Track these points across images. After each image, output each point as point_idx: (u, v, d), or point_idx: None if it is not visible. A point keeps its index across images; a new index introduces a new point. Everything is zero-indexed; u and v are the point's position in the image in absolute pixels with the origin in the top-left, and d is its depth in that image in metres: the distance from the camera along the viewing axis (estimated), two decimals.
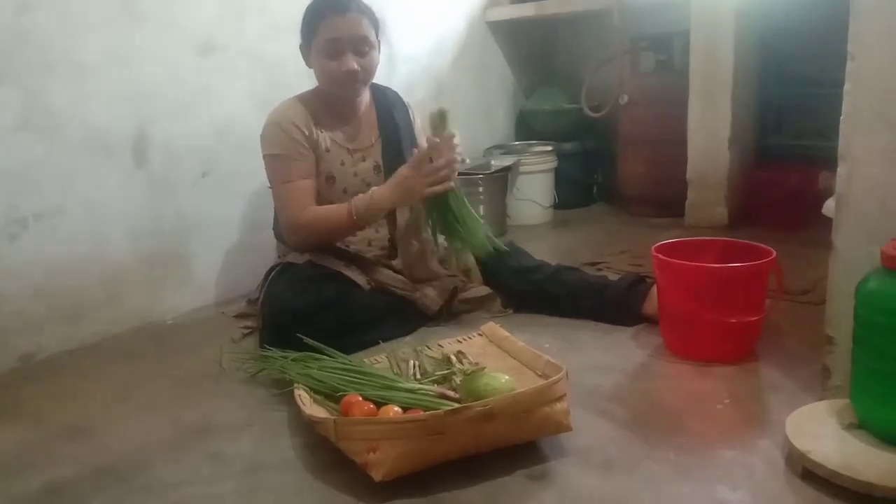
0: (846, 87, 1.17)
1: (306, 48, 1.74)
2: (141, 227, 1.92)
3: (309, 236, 1.73)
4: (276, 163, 1.72)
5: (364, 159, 1.83)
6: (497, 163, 2.76)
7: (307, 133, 1.72)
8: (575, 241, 2.62)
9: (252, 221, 2.14)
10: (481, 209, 2.69)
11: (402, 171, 1.69)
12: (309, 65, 1.76)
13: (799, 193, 2.44)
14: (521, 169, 2.83)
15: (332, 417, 1.16)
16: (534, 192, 2.86)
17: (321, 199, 1.75)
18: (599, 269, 2.18)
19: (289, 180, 1.71)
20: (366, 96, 1.83)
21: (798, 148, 2.74)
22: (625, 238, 2.54)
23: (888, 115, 1.14)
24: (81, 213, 1.80)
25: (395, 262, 1.82)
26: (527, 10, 2.97)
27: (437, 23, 2.82)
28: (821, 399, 1.24)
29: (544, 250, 2.41)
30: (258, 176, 1.98)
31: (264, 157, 1.74)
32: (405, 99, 1.96)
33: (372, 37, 1.71)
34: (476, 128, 3.07)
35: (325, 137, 1.76)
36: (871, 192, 1.17)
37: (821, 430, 1.11)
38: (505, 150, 2.95)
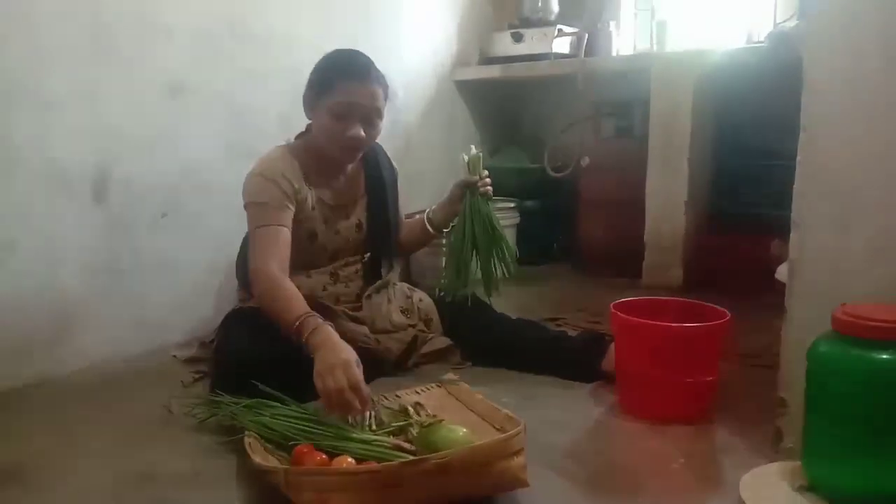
0: (798, 157, 1.23)
1: (313, 100, 1.69)
2: (96, 265, 1.87)
3: (257, 294, 1.61)
4: (256, 210, 1.65)
5: (347, 217, 1.81)
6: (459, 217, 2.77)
7: (296, 187, 1.68)
8: (534, 297, 2.63)
9: (210, 264, 2.11)
10: (444, 261, 2.70)
11: (334, 368, 1.36)
12: (308, 116, 1.73)
13: (752, 259, 2.50)
14: None
15: (283, 467, 1.12)
16: None
17: (301, 253, 1.70)
18: (558, 325, 2.19)
19: (264, 224, 1.64)
20: None
21: (752, 216, 2.83)
22: (583, 296, 2.57)
23: (838, 186, 1.20)
24: (35, 248, 1.75)
25: (359, 314, 1.79)
26: (493, 72, 3.05)
27: (408, 79, 2.87)
28: (773, 461, 1.25)
29: (504, 305, 2.40)
30: (221, 219, 1.97)
31: (246, 205, 1.68)
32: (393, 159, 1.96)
33: (383, 108, 1.71)
34: (441, 183, 3.07)
35: (312, 195, 1.73)
36: (822, 259, 1.22)
37: (773, 493, 1.12)
38: None
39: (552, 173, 3.02)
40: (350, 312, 1.78)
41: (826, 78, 1.19)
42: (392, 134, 2.75)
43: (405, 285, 1.97)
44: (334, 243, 1.79)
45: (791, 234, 1.24)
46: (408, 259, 2.78)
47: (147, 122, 1.94)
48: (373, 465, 1.09)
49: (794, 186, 1.23)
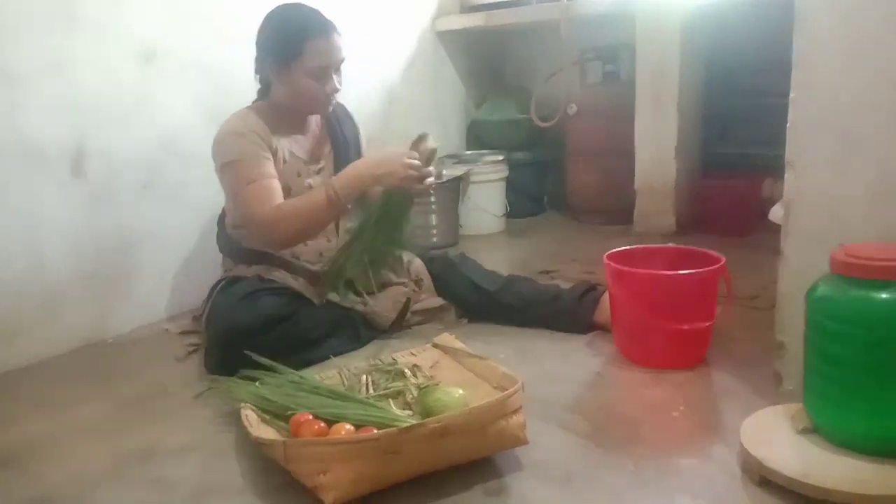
0: (791, 95, 1.19)
1: (281, 65, 1.65)
2: (80, 242, 1.83)
3: (286, 232, 1.64)
4: (237, 168, 1.63)
5: (318, 172, 1.79)
6: (448, 172, 2.73)
7: (267, 141, 1.67)
8: (527, 250, 2.61)
9: (198, 234, 2.07)
10: (433, 218, 2.68)
11: (390, 149, 1.69)
12: (273, 79, 1.69)
13: (745, 200, 2.48)
14: (473, 178, 2.81)
15: (281, 439, 1.11)
16: (486, 201, 2.86)
17: None
18: (552, 278, 2.17)
19: (253, 180, 1.62)
20: None
21: (743, 157, 2.80)
22: (576, 246, 2.55)
23: (833, 123, 1.16)
24: (16, 227, 1.70)
25: None
26: (476, 20, 2.97)
27: (387, 32, 2.79)
28: (774, 404, 1.24)
29: (497, 259, 2.41)
30: (204, 187, 1.92)
31: (221, 167, 1.66)
32: (348, 108, 1.92)
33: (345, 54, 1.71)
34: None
35: (283, 145, 1.72)
36: (818, 199, 1.19)
37: (775, 436, 1.11)
38: (456, 159, 2.94)
39: (539, 123, 2.96)
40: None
41: (818, 12, 1.15)
42: (375, 89, 2.71)
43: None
44: None
45: (786, 175, 1.22)
46: None
47: (122, 90, 1.88)
48: (371, 432, 1.07)
49: (788, 125, 1.20)
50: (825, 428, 1.09)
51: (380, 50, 2.75)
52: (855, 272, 1.04)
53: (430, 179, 1.67)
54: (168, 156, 1.99)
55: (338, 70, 1.69)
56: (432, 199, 2.64)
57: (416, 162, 1.62)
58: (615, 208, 2.79)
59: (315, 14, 1.67)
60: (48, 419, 1.45)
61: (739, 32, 2.64)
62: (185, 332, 1.87)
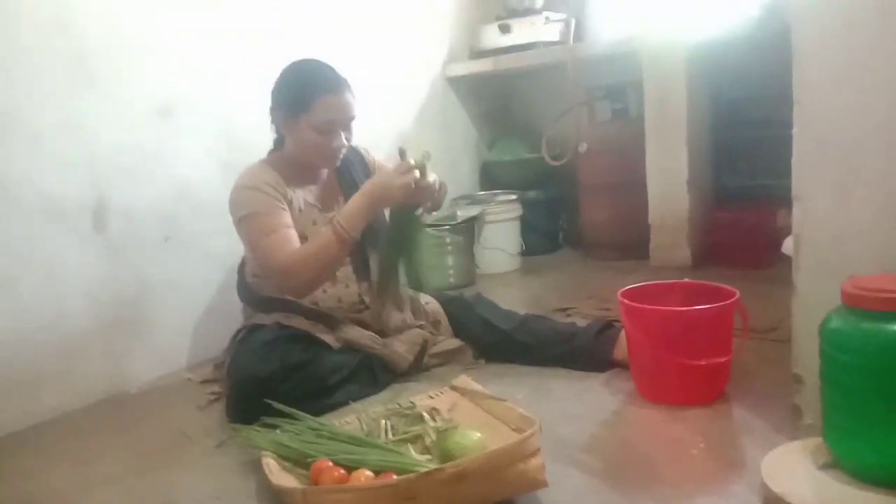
0: (794, 130, 1.21)
1: (288, 118, 1.71)
2: (101, 295, 1.88)
3: (305, 276, 1.67)
4: (255, 221, 1.68)
5: (332, 219, 1.80)
6: (463, 213, 2.77)
7: (281, 191, 1.72)
8: (543, 287, 2.62)
9: (217, 283, 2.11)
10: (449, 260, 2.70)
11: (379, 175, 1.71)
12: (283, 131, 1.76)
13: (758, 232, 2.48)
14: (487, 218, 2.84)
15: (301, 487, 1.12)
16: (501, 240, 2.88)
17: None
18: (568, 315, 2.18)
19: (272, 231, 1.66)
20: None
21: (755, 188, 2.81)
22: (591, 283, 2.56)
23: (836, 156, 1.18)
24: (38, 282, 1.75)
25: (364, 315, 1.79)
26: (484, 66, 3.04)
27: (398, 79, 2.86)
28: (794, 439, 1.23)
29: (514, 297, 2.43)
30: (222, 237, 1.96)
31: (239, 220, 1.70)
32: (359, 146, 1.93)
33: (357, 114, 1.75)
34: (441, 180, 3.09)
35: (297, 196, 1.76)
36: (825, 229, 1.20)
37: (796, 472, 1.10)
38: (470, 200, 2.97)
39: (551, 161, 3.00)
40: (354, 316, 1.77)
41: (816, 47, 1.17)
42: (387, 135, 2.75)
43: (408, 289, 1.94)
44: None
45: (793, 208, 1.23)
46: None
47: (138, 146, 1.94)
48: (391, 477, 1.08)
49: (793, 160, 1.21)
50: (845, 462, 1.08)
51: (392, 96, 2.81)
52: (865, 304, 1.04)
53: (433, 177, 1.70)
54: (186, 207, 2.05)
55: (347, 127, 1.73)
56: (448, 240, 2.67)
57: (409, 176, 1.64)
58: (629, 244, 2.79)
59: (329, 71, 1.73)
60: (70, 471, 1.47)
61: (742, 65, 2.67)
62: (206, 381, 1.89)
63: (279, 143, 1.81)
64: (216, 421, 1.64)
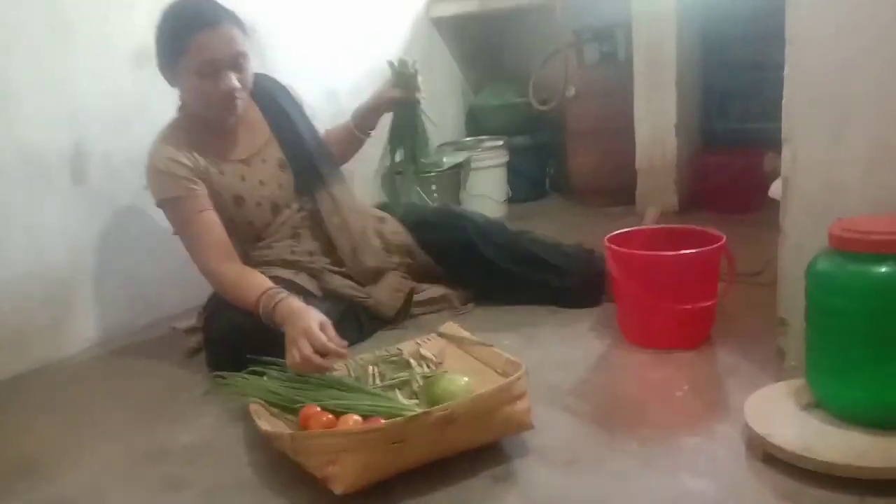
0: (785, 71, 1.19)
1: (170, 66, 1.55)
2: (83, 247, 1.85)
3: (219, 290, 1.61)
4: (171, 207, 1.60)
5: (264, 161, 1.71)
6: (449, 160, 2.74)
7: (191, 165, 1.59)
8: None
9: None
10: (434, 186, 2.67)
11: (296, 339, 1.35)
12: (173, 84, 1.60)
13: (746, 176, 2.48)
14: (473, 165, 2.81)
15: (289, 432, 1.12)
16: (487, 187, 2.85)
17: (235, 223, 1.66)
18: None
19: (189, 221, 1.59)
20: None
21: (743, 131, 2.79)
22: (580, 229, 2.54)
23: (827, 97, 1.16)
24: (20, 237, 1.72)
25: (344, 269, 1.77)
26: (470, 6, 2.96)
27: (380, 19, 2.78)
28: (778, 381, 1.25)
29: None
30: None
31: (158, 205, 1.61)
32: (285, 83, 1.85)
33: (247, 48, 1.57)
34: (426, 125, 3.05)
35: (213, 161, 1.63)
36: (815, 173, 1.19)
37: (779, 412, 1.12)
38: (456, 146, 2.94)
39: (538, 106, 2.96)
40: (332, 267, 1.75)
41: None
42: (369, 76, 2.68)
43: (372, 210, 1.89)
44: (265, 194, 1.69)
45: (783, 150, 1.21)
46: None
47: (117, 95, 1.89)
48: (378, 422, 1.09)
49: (783, 100, 1.19)
50: (827, 403, 1.09)
51: (373, 36, 2.74)
52: (852, 246, 1.04)
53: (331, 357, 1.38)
54: None
55: (236, 65, 1.54)
56: (433, 187, 2.64)
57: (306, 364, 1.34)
58: (617, 189, 2.78)
59: (203, 6, 1.54)
60: (62, 423, 1.47)
61: (734, 4, 2.62)
62: (191, 329, 1.87)
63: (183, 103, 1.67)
64: (203, 370, 1.64)
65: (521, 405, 1.14)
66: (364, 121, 1.82)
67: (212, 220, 1.60)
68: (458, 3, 3.01)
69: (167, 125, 1.66)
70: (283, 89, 1.82)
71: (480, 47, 3.32)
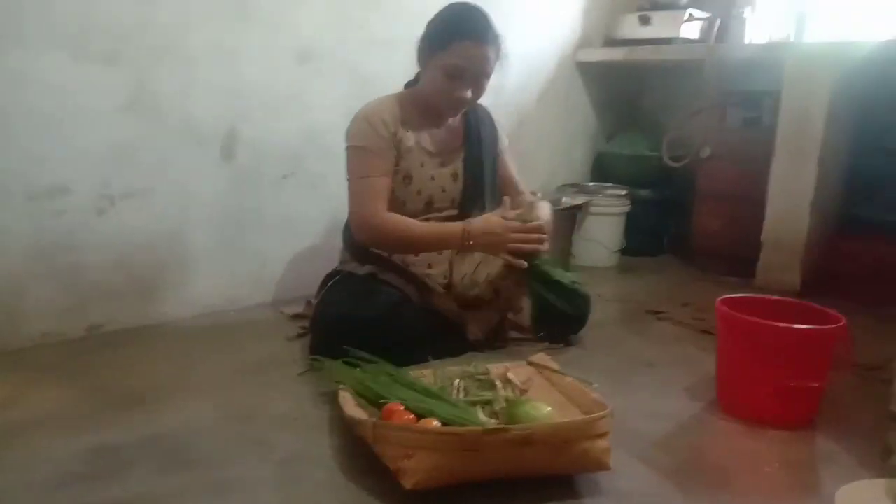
0: None
1: (426, 53, 1.73)
2: (221, 219, 2.01)
3: (381, 238, 1.74)
4: (357, 155, 1.74)
5: (444, 164, 1.84)
6: (568, 200, 2.75)
7: (393, 130, 1.74)
8: (638, 287, 2.58)
9: (326, 225, 2.20)
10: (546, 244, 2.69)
11: (494, 222, 1.68)
12: (420, 65, 1.77)
13: (880, 267, 2.33)
14: (592, 210, 2.81)
15: (372, 420, 1.17)
16: (602, 234, 2.84)
17: (394, 196, 1.77)
18: (659, 319, 2.15)
19: (366, 175, 1.72)
20: None
21: (886, 222, 2.63)
22: (690, 291, 2.49)
23: None
24: (168, 196, 1.90)
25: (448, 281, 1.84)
26: (617, 54, 2.98)
27: (528, 58, 2.85)
28: (878, 476, 1.18)
29: (605, 292, 2.40)
30: (340, 182, 2.04)
31: (347, 148, 1.76)
32: (497, 119, 1.97)
33: (493, 69, 1.73)
34: (553, 164, 3.08)
35: (409, 137, 1.78)
36: None
37: None
38: (578, 188, 2.94)
39: (669, 162, 2.92)
40: (442, 282, 1.81)
41: None
42: (505, 112, 2.75)
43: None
44: (429, 188, 1.82)
45: None
46: None
47: (277, 85, 2.05)
48: (457, 428, 1.11)
49: None
50: None
51: (517, 73, 2.81)
52: None
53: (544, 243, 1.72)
54: (312, 149, 2.15)
55: (477, 81, 1.71)
56: None
57: (530, 229, 1.67)
58: (738, 258, 2.68)
59: (480, 20, 1.70)
60: (169, 371, 1.61)
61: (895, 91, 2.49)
62: (297, 315, 1.99)
63: (415, 80, 1.83)
64: (301, 352, 1.73)
65: (600, 444, 1.14)
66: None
67: (387, 183, 1.75)
68: (606, 51, 3.04)
69: (393, 94, 1.83)
70: (491, 121, 1.96)
71: (621, 95, 3.33)
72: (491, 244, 1.68)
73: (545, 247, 1.75)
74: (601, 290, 2.47)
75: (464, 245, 1.68)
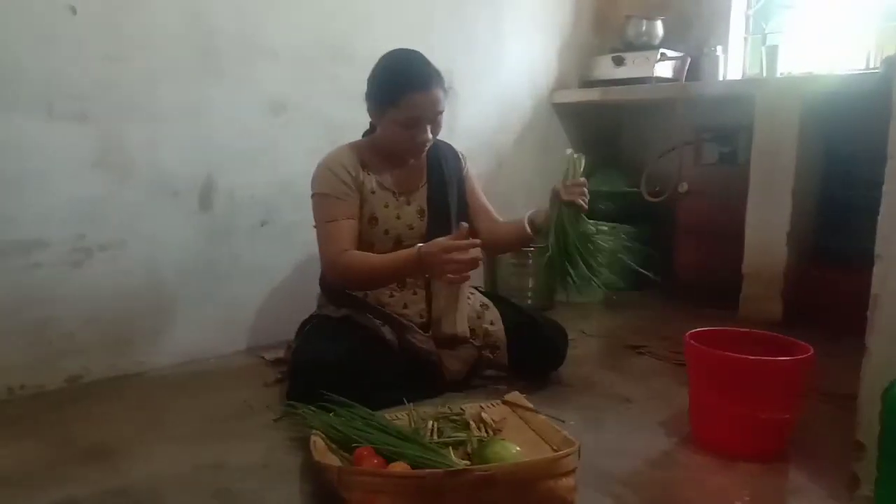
0: (885, 187, 1.16)
1: (377, 110, 1.75)
2: (196, 268, 2.03)
3: (351, 279, 1.75)
4: (322, 202, 1.76)
5: (409, 203, 1.85)
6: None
7: (354, 175, 1.77)
8: (620, 322, 2.58)
9: (302, 272, 2.22)
10: (529, 282, 2.71)
11: (437, 242, 1.60)
12: (373, 118, 1.79)
13: (861, 296, 2.34)
14: None
15: (337, 465, 1.17)
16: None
17: (362, 240, 1.79)
18: (640, 353, 2.16)
19: (332, 219, 1.74)
20: None
21: (862, 251, 2.65)
22: (671, 325, 2.48)
23: None
24: (141, 248, 1.92)
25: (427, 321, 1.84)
26: (592, 95, 3.03)
27: (505, 100, 2.91)
28: None
29: (589, 328, 2.42)
30: (312, 230, 2.07)
31: (312, 196, 1.79)
32: (460, 150, 1.99)
33: (444, 107, 1.74)
34: (533, 204, 3.05)
35: (371, 180, 1.80)
36: None
37: None
38: None
39: (648, 198, 2.96)
40: (418, 322, 1.82)
41: None
42: (485, 151, 2.81)
43: (481, 299, 1.96)
44: (396, 228, 1.82)
45: (875, 266, 1.17)
46: (495, 275, 2.81)
47: (250, 137, 2.09)
48: (419, 471, 1.11)
49: (879, 217, 1.16)
50: None
51: (494, 116, 2.86)
52: None
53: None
54: (286, 198, 2.18)
55: (433, 120, 1.73)
56: (530, 261, 2.68)
57: (461, 256, 1.57)
58: (719, 292, 2.69)
59: (419, 67, 1.72)
60: (142, 423, 1.61)
61: (862, 122, 2.53)
62: (277, 360, 1.99)
63: (373, 128, 1.86)
64: (278, 398, 1.73)
65: (565, 482, 1.14)
66: (538, 217, 1.86)
67: (352, 225, 1.76)
68: (582, 92, 3.10)
69: (352, 143, 1.85)
70: (455, 156, 1.97)
71: (598, 135, 3.38)
72: (429, 265, 1.61)
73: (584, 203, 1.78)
74: (584, 325, 2.49)
75: (421, 265, 1.63)
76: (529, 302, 2.69)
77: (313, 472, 1.29)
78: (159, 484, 1.30)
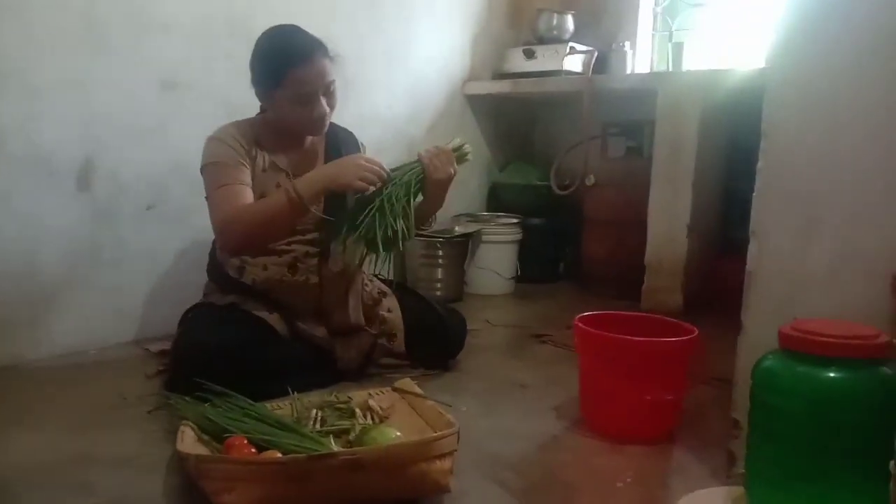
0: (759, 164, 1.17)
1: (265, 92, 1.65)
2: (77, 253, 1.90)
3: (239, 230, 1.59)
4: (213, 170, 1.63)
5: None
6: (460, 229, 2.75)
7: (247, 148, 1.66)
8: (528, 314, 2.58)
9: (192, 259, 2.09)
10: (439, 273, 2.68)
11: (347, 157, 1.63)
12: (264, 103, 1.70)
13: None
14: (485, 238, 2.81)
15: (193, 454, 1.09)
16: (495, 262, 2.84)
17: None
18: (543, 342, 2.16)
19: (225, 184, 1.61)
20: None
21: None
22: (577, 315, 2.50)
23: (798, 196, 1.13)
24: (15, 232, 1.78)
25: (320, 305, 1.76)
26: (503, 87, 3.03)
27: (417, 89, 2.87)
28: (726, 485, 1.17)
29: (496, 319, 2.41)
30: (204, 215, 1.97)
31: (202, 169, 1.66)
32: (362, 142, 1.92)
33: (335, 75, 1.66)
34: (448, 196, 3.08)
35: (264, 157, 1.70)
36: (780, 270, 1.15)
37: None
38: (471, 218, 2.95)
39: (557, 190, 2.97)
40: (311, 308, 1.74)
41: (783, 83, 1.14)
42: (396, 144, 2.75)
43: (380, 286, 1.90)
44: None
45: (749, 245, 1.18)
46: (403, 266, 2.76)
47: (138, 113, 1.97)
48: (280, 457, 1.05)
49: (754, 194, 1.17)
50: None
51: (406, 106, 2.82)
52: (801, 347, 0.99)
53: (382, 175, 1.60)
54: (177, 180, 2.06)
55: (327, 91, 1.64)
56: (440, 253, 2.65)
57: (373, 165, 1.57)
58: (627, 283, 2.73)
59: (299, 38, 1.64)
60: (11, 414, 1.49)
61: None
62: (162, 352, 1.88)
63: (264, 108, 1.76)
64: (158, 390, 1.63)
65: (440, 465, 1.10)
66: None
67: (246, 192, 1.63)
68: (494, 83, 3.09)
69: (243, 119, 1.73)
70: (354, 142, 1.89)
71: (511, 128, 3.38)
72: (343, 165, 1.57)
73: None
74: (490, 315, 2.47)
75: (297, 198, 1.54)
76: (438, 293, 2.65)
77: (180, 465, 1.21)
78: (18, 477, 1.21)
